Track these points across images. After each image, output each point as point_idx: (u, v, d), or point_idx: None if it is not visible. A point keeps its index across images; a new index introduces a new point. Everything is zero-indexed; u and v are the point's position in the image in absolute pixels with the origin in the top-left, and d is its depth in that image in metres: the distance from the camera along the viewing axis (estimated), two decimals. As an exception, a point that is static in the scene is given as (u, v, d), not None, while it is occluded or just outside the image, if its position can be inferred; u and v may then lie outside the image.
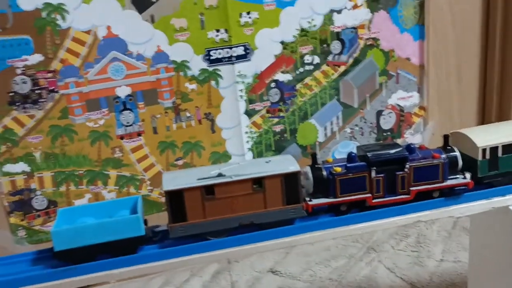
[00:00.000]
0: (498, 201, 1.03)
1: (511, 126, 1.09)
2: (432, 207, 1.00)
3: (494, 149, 1.02)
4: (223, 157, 1.63)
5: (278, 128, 1.66)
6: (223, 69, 1.54)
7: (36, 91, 1.38)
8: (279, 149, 1.69)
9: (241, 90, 1.58)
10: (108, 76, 1.44)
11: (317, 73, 1.66)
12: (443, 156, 0.99)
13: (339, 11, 1.61)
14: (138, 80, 1.47)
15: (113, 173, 1.52)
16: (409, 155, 0.97)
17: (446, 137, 1.03)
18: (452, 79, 1.84)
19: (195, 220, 0.89)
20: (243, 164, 0.94)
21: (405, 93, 1.78)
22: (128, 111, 1.49)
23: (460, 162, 1.01)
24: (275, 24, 1.56)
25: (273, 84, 1.62)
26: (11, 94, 1.36)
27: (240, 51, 1.54)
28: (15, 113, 1.38)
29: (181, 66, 1.50)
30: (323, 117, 1.71)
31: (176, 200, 0.88)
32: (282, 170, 0.91)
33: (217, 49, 1.52)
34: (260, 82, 1.60)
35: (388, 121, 1.80)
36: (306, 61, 1.63)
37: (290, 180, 0.91)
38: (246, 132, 1.63)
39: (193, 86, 1.53)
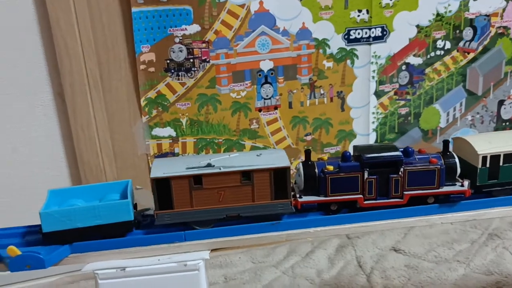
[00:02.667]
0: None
1: None
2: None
3: (495, 158, 0.98)
4: (349, 135, 1.67)
5: (403, 111, 1.69)
6: (360, 49, 1.58)
7: (190, 60, 1.45)
8: (401, 132, 1.71)
9: (373, 71, 1.61)
10: (255, 50, 1.49)
11: (447, 59, 1.67)
12: (441, 162, 0.96)
13: (475, -2, 1.62)
14: (281, 55, 1.52)
15: (248, 143, 1.58)
16: (404, 159, 0.95)
17: (445, 143, 1.01)
18: None
19: (182, 209, 0.89)
20: (234, 156, 0.94)
21: (528, 84, 1.78)
22: (269, 84, 1.54)
23: (458, 169, 0.98)
24: (413, 7, 1.58)
25: (403, 67, 1.64)
26: (167, 61, 1.44)
27: (378, 32, 1.57)
28: (169, 79, 1.46)
29: (322, 43, 1.54)
30: (447, 102, 1.73)
31: (163, 188, 0.88)
32: (272, 165, 0.90)
33: (356, 29, 1.55)
34: (392, 64, 1.63)
35: (508, 111, 1.79)
36: (437, 46, 1.64)
37: (279, 175, 0.90)
38: (373, 113, 1.66)
39: (329, 64, 1.57)
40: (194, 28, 1.42)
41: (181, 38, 1.42)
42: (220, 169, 0.89)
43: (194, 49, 1.45)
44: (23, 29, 1.29)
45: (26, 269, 0.83)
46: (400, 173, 0.94)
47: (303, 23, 1.51)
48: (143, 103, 1.46)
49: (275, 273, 1.51)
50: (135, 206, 0.94)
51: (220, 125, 1.54)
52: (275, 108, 1.57)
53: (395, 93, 1.67)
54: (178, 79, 1.46)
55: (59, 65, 1.31)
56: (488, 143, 0.99)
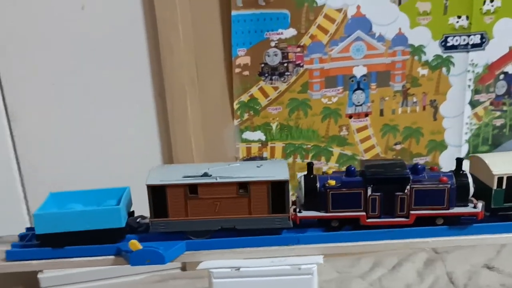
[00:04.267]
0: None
1: None
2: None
3: None
4: (439, 146, 1.61)
5: (498, 122, 1.62)
6: (456, 57, 1.52)
7: (284, 64, 1.44)
8: (495, 144, 1.64)
9: (470, 80, 1.55)
10: (349, 55, 1.47)
11: (548, 69, 1.59)
12: (452, 181, 0.89)
13: None
14: (375, 61, 1.49)
15: (336, 150, 1.56)
16: (412, 176, 0.89)
17: (459, 161, 0.92)
18: None
19: (176, 218, 0.87)
20: (233, 166, 0.91)
21: None
22: (361, 91, 1.51)
23: (472, 189, 0.90)
24: (516, 14, 1.51)
25: (501, 76, 1.57)
26: (262, 65, 1.44)
27: (476, 39, 1.51)
28: (262, 83, 1.46)
29: (417, 50, 1.50)
30: (546, 115, 1.64)
31: (158, 195, 0.86)
32: (270, 177, 0.86)
33: (454, 36, 1.50)
34: (489, 73, 1.56)
35: None
36: (539, 55, 1.57)
37: (277, 188, 0.86)
38: (467, 123, 1.60)
39: (424, 71, 1.53)
40: (290, 32, 1.42)
41: (276, 42, 1.42)
42: (216, 179, 0.86)
43: (289, 53, 1.44)
44: (129, 28, 1.33)
45: (146, 264, 0.84)
46: (406, 191, 0.89)
47: (400, 28, 1.47)
48: (235, 106, 1.46)
49: (362, 284, 1.47)
50: (131, 213, 0.93)
51: (309, 130, 1.52)
52: (366, 115, 1.54)
53: (491, 104, 1.60)
54: (271, 83, 1.46)
55: (162, 64, 1.33)
56: (506, 163, 0.91)
